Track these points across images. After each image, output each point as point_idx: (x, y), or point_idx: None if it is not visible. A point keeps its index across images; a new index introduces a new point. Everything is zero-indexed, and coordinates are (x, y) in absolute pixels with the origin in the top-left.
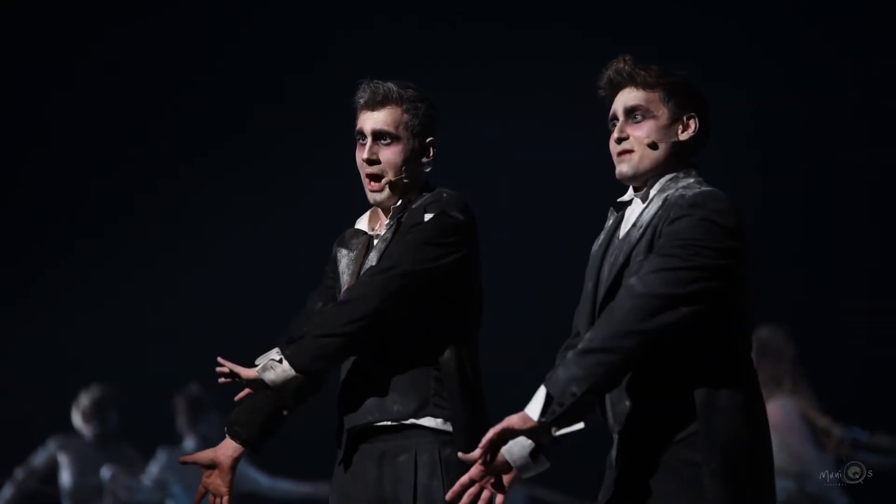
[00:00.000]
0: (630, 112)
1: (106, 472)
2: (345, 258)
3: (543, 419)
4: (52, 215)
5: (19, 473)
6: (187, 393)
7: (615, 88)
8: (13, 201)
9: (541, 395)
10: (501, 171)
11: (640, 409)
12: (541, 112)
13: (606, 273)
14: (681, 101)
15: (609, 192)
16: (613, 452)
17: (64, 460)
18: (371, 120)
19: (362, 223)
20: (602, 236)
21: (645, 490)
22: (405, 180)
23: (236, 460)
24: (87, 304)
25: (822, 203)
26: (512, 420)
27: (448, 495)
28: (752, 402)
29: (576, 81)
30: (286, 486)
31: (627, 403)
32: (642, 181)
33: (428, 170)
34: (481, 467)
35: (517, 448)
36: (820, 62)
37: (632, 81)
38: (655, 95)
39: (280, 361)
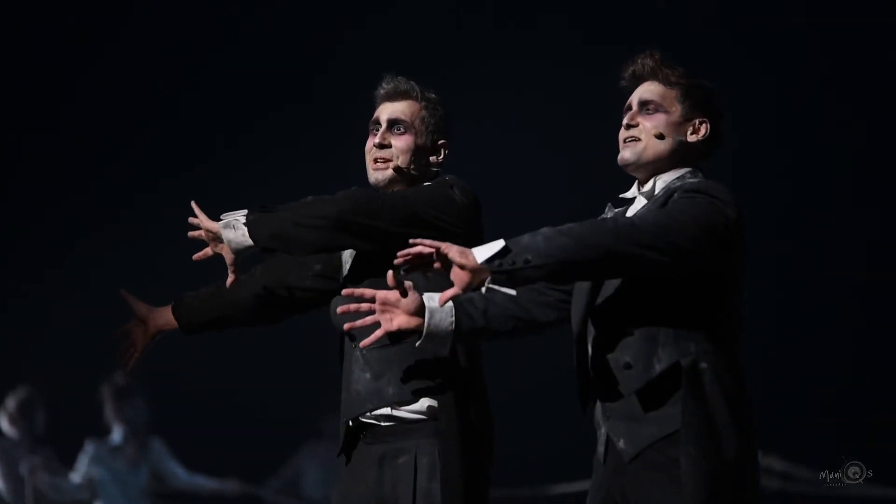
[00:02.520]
0: (644, 104)
1: (24, 467)
2: (348, 249)
3: (486, 265)
4: None
5: None
6: (112, 382)
7: (637, 81)
8: None
9: (496, 246)
10: (504, 169)
11: (627, 403)
12: (541, 112)
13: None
14: (696, 103)
15: (611, 191)
16: (601, 448)
17: None
18: (388, 110)
19: None
20: None
21: (634, 489)
22: (413, 171)
23: (162, 332)
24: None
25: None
26: (453, 247)
27: (344, 291)
28: (736, 393)
29: (570, 82)
30: (201, 481)
31: (615, 397)
32: (643, 172)
33: (436, 170)
34: (393, 296)
35: (439, 314)
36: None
37: (653, 76)
38: (673, 93)
39: (244, 226)
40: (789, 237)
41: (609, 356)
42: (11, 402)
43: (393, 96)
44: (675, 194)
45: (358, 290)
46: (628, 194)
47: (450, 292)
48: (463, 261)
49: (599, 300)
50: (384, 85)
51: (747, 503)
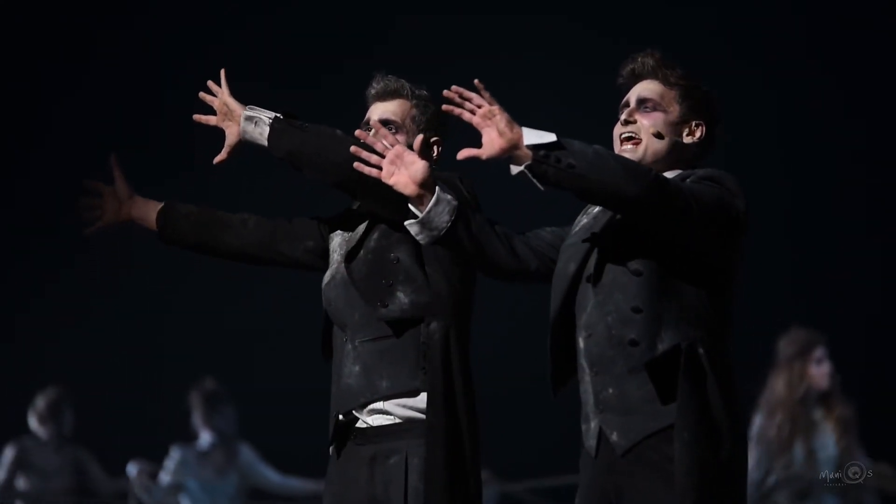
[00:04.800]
0: (642, 101)
1: (132, 470)
2: (339, 236)
3: (529, 149)
4: (36, 223)
5: None
6: (202, 388)
7: (635, 79)
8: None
9: (548, 136)
10: (501, 168)
11: (623, 394)
12: (539, 109)
13: (596, 259)
14: (694, 105)
15: None
16: (592, 442)
17: (22, 465)
18: (379, 110)
19: None
20: (586, 220)
21: (629, 488)
22: None
23: (133, 222)
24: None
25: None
26: (505, 114)
27: (373, 121)
28: (729, 383)
29: (570, 80)
30: (296, 484)
31: (611, 391)
32: None
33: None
34: (409, 156)
35: (443, 205)
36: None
37: (653, 75)
38: (672, 93)
39: (266, 126)
40: (793, 237)
41: (614, 332)
42: (41, 402)
43: (383, 96)
44: (688, 180)
45: (383, 131)
46: None
47: (474, 151)
48: (507, 130)
49: (603, 277)
50: (374, 84)
51: (735, 493)
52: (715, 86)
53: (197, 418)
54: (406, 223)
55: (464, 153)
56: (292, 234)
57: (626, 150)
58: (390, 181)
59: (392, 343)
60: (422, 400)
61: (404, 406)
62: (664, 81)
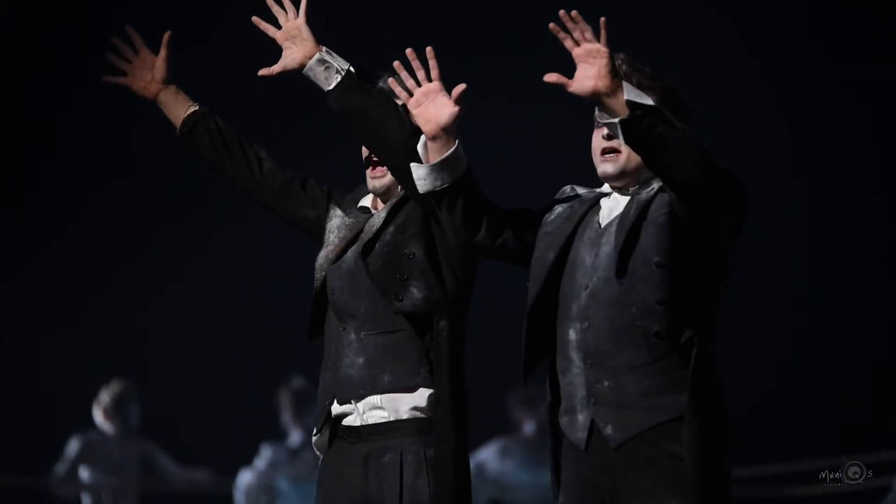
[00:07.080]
0: None
1: (246, 477)
2: (338, 218)
3: (627, 104)
4: (73, 211)
5: (57, 484)
6: (291, 386)
7: None
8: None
9: (648, 100)
10: (501, 163)
11: (619, 389)
12: (533, 111)
13: (590, 257)
14: (673, 108)
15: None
16: (581, 435)
17: (86, 459)
18: None
19: (366, 201)
20: (561, 209)
21: (624, 487)
22: None
23: (156, 103)
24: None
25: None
26: (610, 60)
27: (429, 49)
28: (720, 376)
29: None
30: None
31: (606, 384)
32: (627, 181)
33: None
34: (444, 97)
35: (460, 156)
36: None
37: (627, 80)
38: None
39: (338, 74)
40: (799, 236)
41: (637, 324)
42: (106, 396)
43: None
44: None
45: (433, 62)
46: (605, 188)
47: (563, 79)
48: (608, 75)
49: (630, 267)
50: (381, 84)
51: (729, 487)
52: (722, 84)
53: (286, 417)
54: (412, 164)
55: (551, 77)
56: (301, 198)
57: (608, 164)
58: (415, 111)
59: (398, 338)
60: (419, 397)
61: (400, 402)
62: (638, 86)
